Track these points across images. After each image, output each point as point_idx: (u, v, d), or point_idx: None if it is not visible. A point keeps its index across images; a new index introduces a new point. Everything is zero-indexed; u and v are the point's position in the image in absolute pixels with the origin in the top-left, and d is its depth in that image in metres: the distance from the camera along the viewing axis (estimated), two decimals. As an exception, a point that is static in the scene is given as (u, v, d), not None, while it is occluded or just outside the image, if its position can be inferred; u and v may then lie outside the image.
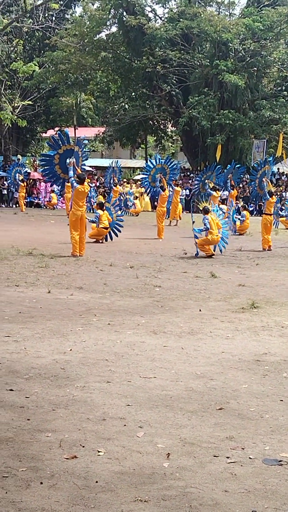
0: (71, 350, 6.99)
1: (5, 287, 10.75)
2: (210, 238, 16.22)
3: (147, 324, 8.43)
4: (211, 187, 25.46)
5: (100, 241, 19.04)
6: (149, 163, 26.42)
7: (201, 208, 16.88)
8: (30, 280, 11.54)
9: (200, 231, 16.48)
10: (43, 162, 18.32)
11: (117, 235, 19.32)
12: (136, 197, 35.72)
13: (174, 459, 4.34)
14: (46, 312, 8.95)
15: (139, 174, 50.71)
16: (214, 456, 4.41)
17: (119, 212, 20.45)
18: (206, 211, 16.43)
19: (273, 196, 19.20)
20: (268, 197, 18.97)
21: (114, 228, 19.30)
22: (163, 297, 10.47)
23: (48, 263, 13.78)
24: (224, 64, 39.79)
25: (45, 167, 17.69)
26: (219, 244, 16.86)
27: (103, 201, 20.90)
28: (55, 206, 36.24)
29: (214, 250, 16.54)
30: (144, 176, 25.60)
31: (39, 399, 5.42)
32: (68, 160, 15.93)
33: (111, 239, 19.15)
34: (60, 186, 17.16)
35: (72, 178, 15.63)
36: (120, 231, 19.42)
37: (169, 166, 24.33)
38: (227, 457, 4.39)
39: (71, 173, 15.80)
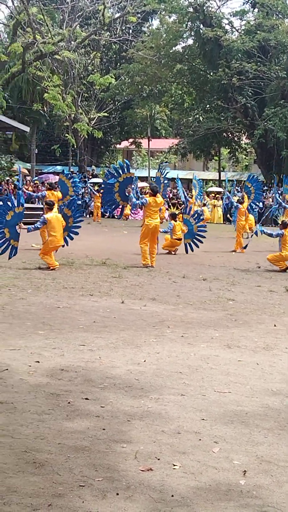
0: (145, 361, 6.99)
1: (80, 296, 10.89)
2: (284, 254, 15.93)
3: (221, 337, 8.36)
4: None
5: (173, 252, 18.98)
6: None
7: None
8: (104, 290, 11.65)
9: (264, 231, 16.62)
10: (104, 190, 18.67)
11: (198, 246, 18.60)
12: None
13: (251, 477, 4.26)
14: (119, 322, 9.00)
15: (212, 186, 50.61)
16: (292, 476, 4.32)
17: (201, 223, 19.67)
18: None
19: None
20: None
21: (195, 239, 18.64)
22: (236, 310, 10.36)
23: (121, 273, 13.87)
24: (301, 76, 39.33)
25: (106, 195, 17.98)
26: None
27: (176, 212, 20.66)
28: (127, 217, 36.40)
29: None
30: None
31: (114, 409, 5.44)
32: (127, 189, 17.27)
33: (192, 250, 18.50)
34: (120, 213, 20.22)
35: (134, 200, 16.81)
36: (201, 242, 18.65)
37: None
38: (306, 478, 4.29)
39: (134, 199, 16.80)
